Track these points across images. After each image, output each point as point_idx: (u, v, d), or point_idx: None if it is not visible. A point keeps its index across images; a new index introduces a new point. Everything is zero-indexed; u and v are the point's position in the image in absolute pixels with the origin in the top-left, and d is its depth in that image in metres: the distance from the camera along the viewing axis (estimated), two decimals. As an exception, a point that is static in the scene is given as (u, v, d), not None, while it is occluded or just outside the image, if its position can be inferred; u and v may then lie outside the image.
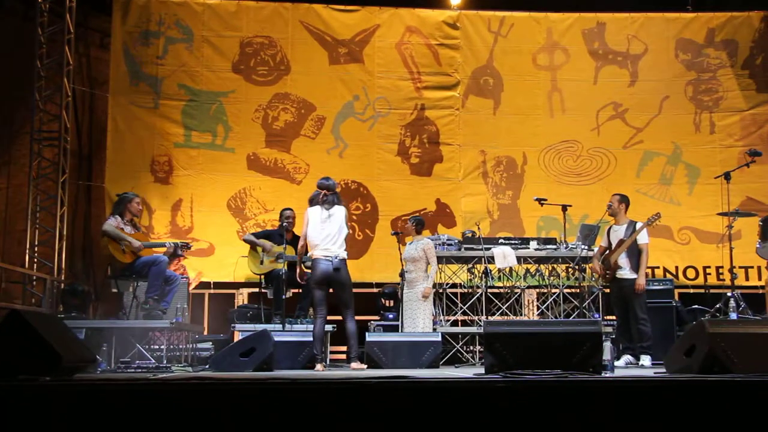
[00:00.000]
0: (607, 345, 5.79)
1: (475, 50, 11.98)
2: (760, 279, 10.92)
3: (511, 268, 9.43)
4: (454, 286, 9.69)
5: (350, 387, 3.86)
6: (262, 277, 9.11)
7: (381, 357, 7.81)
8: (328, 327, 7.95)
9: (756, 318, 8.38)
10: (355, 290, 7.83)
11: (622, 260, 8.32)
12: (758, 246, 8.56)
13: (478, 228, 9.60)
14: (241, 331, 8.17)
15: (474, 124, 11.87)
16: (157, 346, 8.35)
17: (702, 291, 10.80)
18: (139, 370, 6.69)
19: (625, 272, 8.32)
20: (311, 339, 7.46)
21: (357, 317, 7.68)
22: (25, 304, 9.84)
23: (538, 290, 10.16)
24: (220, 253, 11.03)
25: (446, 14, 12.03)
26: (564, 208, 9.59)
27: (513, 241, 9.49)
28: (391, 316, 9.65)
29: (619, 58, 12.02)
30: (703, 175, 11.47)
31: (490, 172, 11.78)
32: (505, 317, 9.39)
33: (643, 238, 8.32)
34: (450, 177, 11.73)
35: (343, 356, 8.67)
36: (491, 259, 9.15)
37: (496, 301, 9.52)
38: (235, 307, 10.06)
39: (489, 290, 9.40)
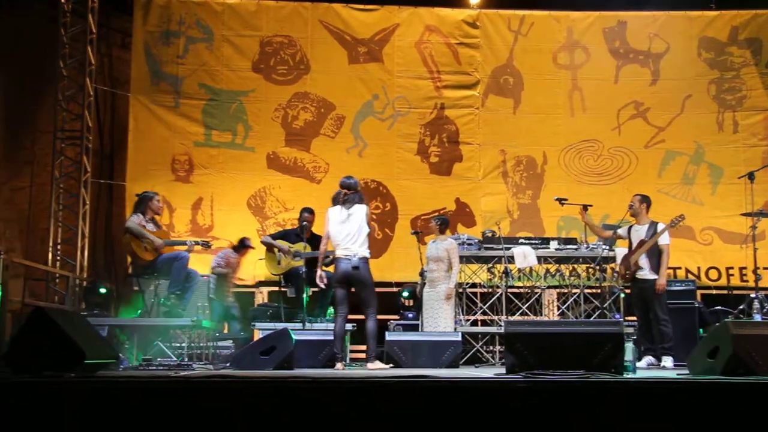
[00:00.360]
0: (629, 346, 5.75)
1: (494, 49, 11.96)
2: (784, 280, 10.81)
3: (531, 268, 9.38)
4: (474, 285, 9.67)
5: (368, 386, 3.86)
6: (281, 276, 9.12)
7: (401, 356, 7.80)
8: (348, 326, 7.94)
9: (780, 319, 8.28)
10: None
11: (643, 261, 8.25)
12: (782, 247, 8.47)
13: (498, 228, 9.58)
14: (261, 330, 8.18)
15: (494, 123, 11.85)
16: (178, 344, 8.39)
17: (725, 292, 10.71)
18: (161, 368, 6.73)
19: (645, 273, 8.24)
20: (331, 337, 7.46)
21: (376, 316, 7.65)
22: (48, 302, 9.93)
23: (558, 290, 10.12)
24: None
25: (466, 13, 12.01)
26: (585, 207, 9.52)
27: (533, 241, 9.46)
28: (410, 315, 9.63)
29: (640, 56, 11.95)
30: (727, 175, 11.38)
31: (510, 171, 11.75)
32: (525, 317, 9.35)
33: (663, 239, 8.25)
34: (470, 176, 11.71)
35: (363, 355, 8.67)
36: (511, 259, 9.12)
37: (516, 301, 9.49)
38: (255, 306, 10.09)
39: (509, 290, 9.38)
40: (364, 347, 7.77)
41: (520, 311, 9.43)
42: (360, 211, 7.42)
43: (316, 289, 9.08)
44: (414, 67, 11.88)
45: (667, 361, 7.93)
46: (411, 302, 9.95)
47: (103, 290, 9.66)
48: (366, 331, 7.37)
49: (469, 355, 8.95)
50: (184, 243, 8.27)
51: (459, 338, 8.06)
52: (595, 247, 9.22)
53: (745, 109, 11.68)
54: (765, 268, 10.58)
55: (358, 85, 11.79)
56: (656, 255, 8.23)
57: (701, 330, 8.96)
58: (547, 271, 9.52)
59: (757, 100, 11.69)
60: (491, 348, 9.37)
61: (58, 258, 10.58)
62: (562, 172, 11.72)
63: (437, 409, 3.71)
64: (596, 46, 11.99)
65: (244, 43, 11.66)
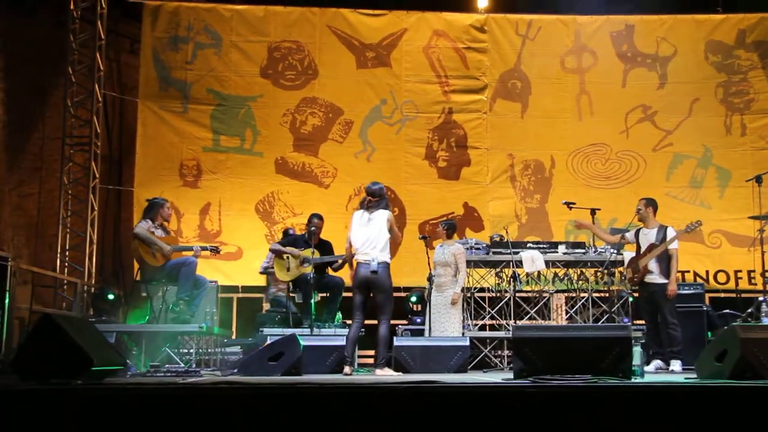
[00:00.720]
0: (637, 350, 5.74)
1: (502, 53, 11.96)
2: (793, 283, 10.77)
3: (539, 272, 9.38)
4: (482, 290, 9.65)
5: (376, 392, 3.85)
6: (290, 282, 9.12)
7: (409, 361, 7.79)
8: (359, 331, 7.93)
9: (789, 323, 8.24)
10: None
11: (653, 265, 8.24)
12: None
13: (506, 232, 9.57)
14: (269, 335, 8.19)
15: (502, 127, 11.84)
16: (186, 350, 8.40)
17: (733, 295, 10.67)
18: (169, 374, 6.74)
19: (655, 277, 8.23)
20: (339, 343, 7.45)
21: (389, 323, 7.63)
22: (56, 308, 9.96)
23: (566, 294, 10.09)
24: (249, 257, 11.08)
25: (473, 18, 12.02)
26: (593, 211, 9.48)
27: (541, 245, 9.44)
28: (419, 320, 9.63)
29: (648, 60, 11.93)
30: (735, 178, 11.33)
31: (518, 175, 11.74)
32: (534, 322, 9.33)
33: (673, 243, 8.24)
34: (478, 180, 11.70)
35: (372, 360, 8.66)
36: (519, 264, 9.11)
37: (525, 306, 9.47)
38: (264, 311, 10.10)
39: (517, 294, 9.35)
40: (371, 352, 7.77)
41: (528, 315, 9.41)
42: (382, 216, 7.43)
43: (324, 295, 9.11)
44: (422, 71, 11.88)
45: (676, 364, 7.91)
46: (419, 307, 9.94)
47: (111, 296, 9.68)
48: (378, 337, 7.34)
49: (477, 359, 8.93)
50: (191, 249, 8.28)
51: (467, 343, 8.06)
52: (603, 251, 9.19)
53: (753, 112, 11.64)
54: (773, 272, 10.59)
55: (366, 89, 11.80)
56: (665, 259, 8.21)
57: (709, 333, 8.93)
58: (555, 275, 9.51)
59: (764, 103, 11.64)
60: (500, 353, 9.35)
61: (66, 264, 10.61)
62: (570, 176, 11.70)
63: (445, 414, 3.71)
64: (604, 50, 11.97)
65: (252, 48, 11.68)
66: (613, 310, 9.08)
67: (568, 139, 11.79)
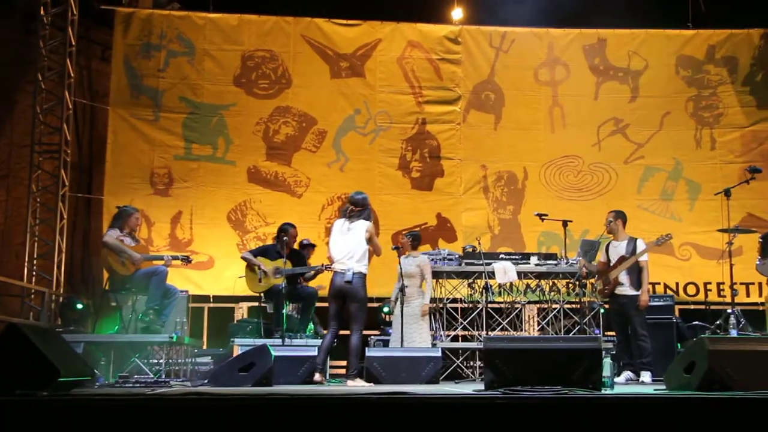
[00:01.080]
0: (607, 361, 5.76)
1: (476, 65, 12.02)
2: (760, 296, 10.91)
3: (511, 284, 9.39)
4: (454, 301, 9.67)
5: (347, 403, 3.83)
6: (262, 292, 9.05)
7: (381, 372, 7.75)
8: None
9: (756, 335, 8.33)
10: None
11: (623, 277, 8.30)
12: (758, 263, 8.55)
13: (479, 243, 9.61)
14: (240, 346, 8.12)
15: (475, 138, 11.89)
16: (156, 360, 8.30)
17: (702, 307, 10.78)
18: (138, 385, 6.66)
19: (625, 289, 8.29)
20: (311, 354, 7.41)
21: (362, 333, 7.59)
22: (24, 318, 9.80)
23: (538, 305, 10.14)
24: (220, 266, 11.02)
25: (448, 29, 12.07)
26: (564, 223, 9.56)
27: (513, 256, 9.47)
28: (391, 330, 9.60)
29: (620, 73, 12.05)
30: (704, 191, 11.45)
31: (491, 186, 11.78)
32: (506, 332, 9.35)
33: (643, 255, 8.31)
34: (451, 191, 11.73)
35: (343, 371, 8.62)
36: (492, 274, 9.12)
37: (497, 317, 9.49)
38: (235, 321, 10.03)
39: (489, 305, 9.37)
40: (343, 363, 7.73)
41: (500, 326, 9.43)
42: (361, 226, 7.43)
43: (296, 305, 9.06)
44: (396, 82, 11.90)
45: (646, 376, 7.97)
46: (391, 317, 9.91)
47: (79, 306, 9.57)
48: (349, 347, 7.32)
49: (449, 370, 8.93)
50: (162, 258, 8.19)
51: (439, 354, 8.04)
52: (574, 262, 9.24)
53: (722, 126, 11.80)
54: (741, 284, 10.72)
55: (340, 99, 11.80)
56: (636, 271, 8.28)
57: (679, 345, 9.00)
58: (528, 286, 9.53)
59: (733, 117, 11.81)
60: (471, 363, 9.36)
61: (34, 273, 10.45)
62: (542, 187, 11.77)
63: (416, 425, 3.69)
64: (576, 63, 12.08)
65: (225, 57, 11.64)
66: (584, 321, 9.14)
67: (540, 150, 11.86)
